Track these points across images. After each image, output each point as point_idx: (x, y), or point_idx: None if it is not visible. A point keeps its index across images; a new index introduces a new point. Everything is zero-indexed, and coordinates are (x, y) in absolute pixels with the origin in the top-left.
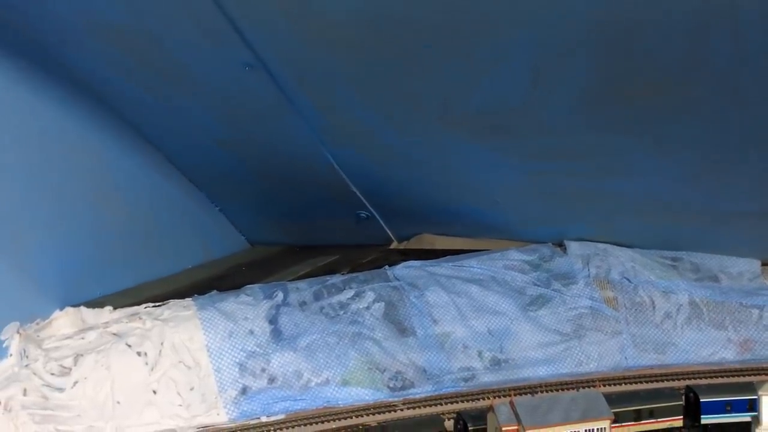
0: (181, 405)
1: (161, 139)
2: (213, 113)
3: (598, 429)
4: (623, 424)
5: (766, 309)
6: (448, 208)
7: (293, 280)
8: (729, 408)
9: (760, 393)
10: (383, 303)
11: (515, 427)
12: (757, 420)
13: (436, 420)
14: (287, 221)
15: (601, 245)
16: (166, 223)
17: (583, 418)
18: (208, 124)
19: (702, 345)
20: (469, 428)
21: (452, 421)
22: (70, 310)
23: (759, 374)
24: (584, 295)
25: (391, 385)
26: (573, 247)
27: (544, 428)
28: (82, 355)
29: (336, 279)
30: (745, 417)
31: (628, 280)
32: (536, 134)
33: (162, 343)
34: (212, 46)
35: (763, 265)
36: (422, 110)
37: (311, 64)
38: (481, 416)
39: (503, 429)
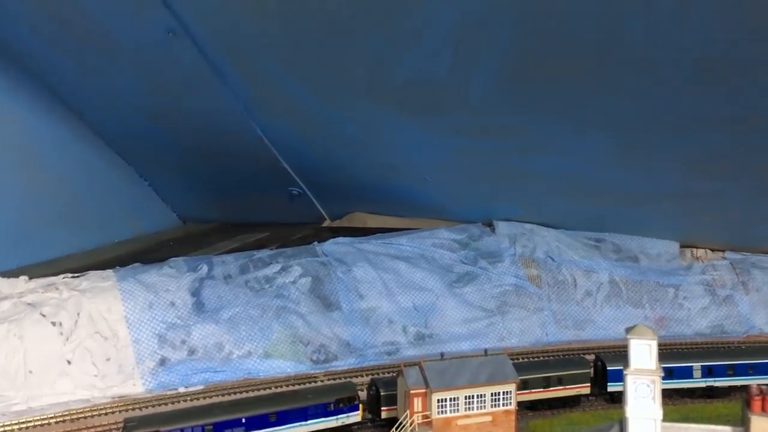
0: (96, 375)
1: (87, 109)
2: (138, 82)
3: (504, 392)
4: (532, 390)
5: (682, 288)
6: (380, 186)
7: (220, 254)
8: None
9: (628, 336)
10: (310, 278)
11: (423, 390)
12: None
13: (349, 386)
14: (219, 198)
15: (528, 225)
16: (91, 195)
17: (490, 382)
18: (134, 94)
19: (619, 322)
20: (381, 393)
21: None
22: None
23: (671, 349)
24: (509, 273)
25: (314, 358)
26: (501, 226)
27: (451, 391)
28: None
29: (263, 254)
30: None
31: (552, 259)
32: (461, 110)
33: (78, 314)
34: (134, 11)
35: (682, 246)
36: (349, 83)
37: (237, 31)
38: (393, 382)
39: (411, 391)
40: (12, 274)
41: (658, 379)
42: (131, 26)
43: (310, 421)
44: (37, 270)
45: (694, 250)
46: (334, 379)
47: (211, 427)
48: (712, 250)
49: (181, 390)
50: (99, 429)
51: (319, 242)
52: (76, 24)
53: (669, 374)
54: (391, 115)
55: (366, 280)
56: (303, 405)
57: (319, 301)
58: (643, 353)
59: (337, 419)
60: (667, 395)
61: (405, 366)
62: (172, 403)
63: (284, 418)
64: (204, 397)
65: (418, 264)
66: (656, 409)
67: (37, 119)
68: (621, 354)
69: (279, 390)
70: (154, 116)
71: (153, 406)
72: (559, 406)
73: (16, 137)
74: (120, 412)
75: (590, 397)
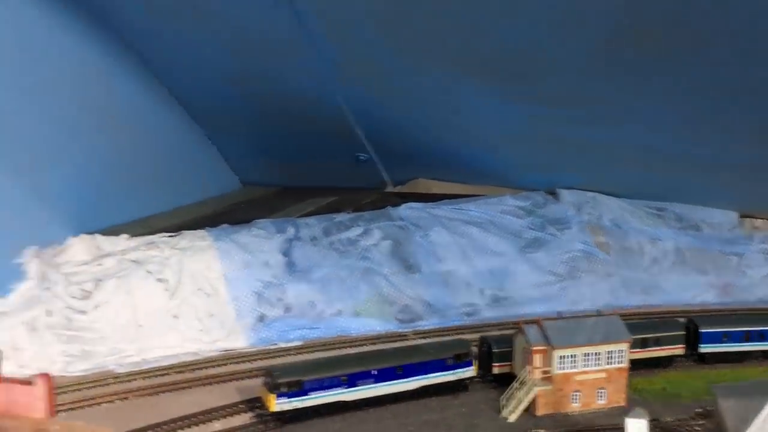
0: (201, 330)
1: (169, 74)
2: (225, 47)
3: (618, 351)
4: (631, 350)
5: (744, 257)
6: (448, 153)
7: (301, 217)
8: (726, 338)
9: None
10: (390, 241)
11: (544, 347)
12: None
13: (463, 343)
14: (283, 162)
15: (590, 194)
16: (167, 158)
17: (605, 341)
18: (219, 58)
19: (686, 288)
20: (493, 350)
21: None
22: (85, 237)
23: (751, 314)
24: (578, 240)
25: (400, 318)
26: (565, 194)
27: (572, 348)
28: (101, 280)
29: (343, 217)
30: (740, 347)
31: (618, 226)
32: (547, 79)
33: (181, 271)
34: None
35: (742, 216)
36: (439, 50)
37: None
38: (503, 340)
39: (533, 348)
40: (106, 232)
41: None
42: None
43: (430, 375)
44: (124, 229)
45: (753, 219)
46: (423, 338)
47: (346, 377)
48: None
49: (282, 345)
50: (213, 380)
51: (392, 207)
52: None
53: (761, 337)
54: (472, 83)
55: (443, 244)
56: (425, 359)
57: (400, 263)
58: None
59: (454, 374)
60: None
61: (524, 324)
62: (280, 356)
63: (409, 371)
64: (305, 352)
65: (489, 229)
66: None
67: (123, 83)
68: (712, 317)
69: (375, 348)
70: (232, 79)
71: (260, 359)
72: (653, 366)
73: (102, 99)
74: (230, 364)
75: (680, 358)
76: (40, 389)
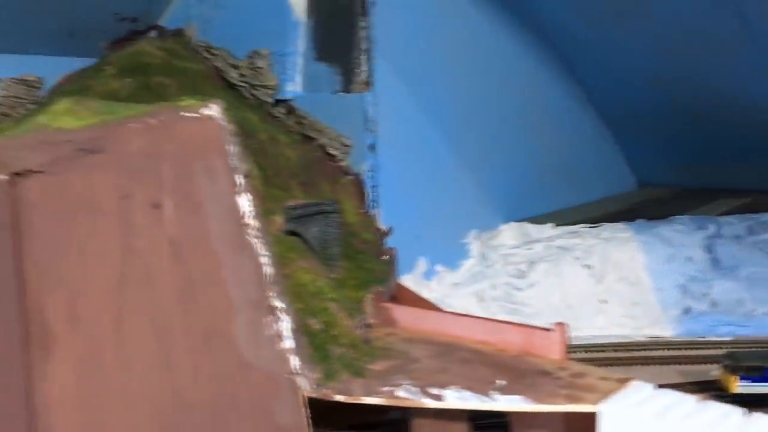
0: (626, 316)
1: (589, 77)
2: (650, 49)
3: None
4: None
5: None
6: None
7: (720, 215)
8: None
9: None
10: None
11: None
12: None
13: None
14: (687, 162)
15: None
16: (577, 157)
17: None
18: (641, 61)
19: None
20: None
21: None
22: (513, 224)
23: None
24: None
25: None
26: None
27: None
28: (534, 262)
29: (767, 217)
30: None
31: None
32: None
33: (605, 260)
34: None
35: None
36: None
37: None
38: None
39: None
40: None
41: None
42: None
43: None
44: (537, 221)
45: None
46: None
47: None
48: None
49: (710, 338)
50: (648, 361)
51: None
52: None
53: None
54: None
55: None
56: None
57: None
58: None
59: None
60: None
61: None
62: (710, 348)
63: None
64: (734, 348)
65: None
66: None
67: (547, 86)
68: None
69: None
70: (651, 81)
71: (689, 348)
72: None
73: (532, 104)
74: (661, 349)
75: None
76: (558, 335)
